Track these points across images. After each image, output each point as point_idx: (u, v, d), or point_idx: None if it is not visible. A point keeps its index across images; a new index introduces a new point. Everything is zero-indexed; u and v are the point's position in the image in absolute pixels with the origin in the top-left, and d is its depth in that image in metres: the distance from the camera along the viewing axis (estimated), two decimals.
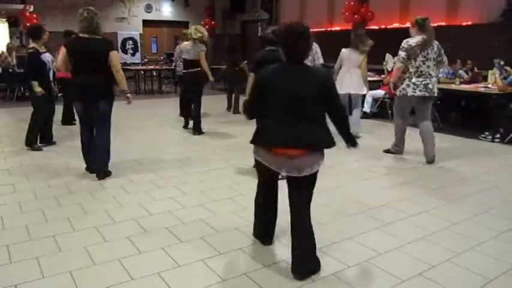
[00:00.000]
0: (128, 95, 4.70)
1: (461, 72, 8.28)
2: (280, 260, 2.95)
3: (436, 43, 5.35)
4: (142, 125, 7.64)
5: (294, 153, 2.64)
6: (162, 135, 6.99)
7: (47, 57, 5.82)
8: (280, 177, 2.92)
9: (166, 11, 15.51)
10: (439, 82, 8.02)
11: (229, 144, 6.34)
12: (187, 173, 4.93)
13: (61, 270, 2.78)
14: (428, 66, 5.27)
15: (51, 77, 6.01)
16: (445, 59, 5.41)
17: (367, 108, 8.57)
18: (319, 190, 4.30)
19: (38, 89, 5.67)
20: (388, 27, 10.01)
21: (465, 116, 8.04)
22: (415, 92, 5.26)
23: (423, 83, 5.24)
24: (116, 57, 4.49)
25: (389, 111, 8.30)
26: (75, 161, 5.08)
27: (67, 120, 7.52)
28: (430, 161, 5.39)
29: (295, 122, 2.64)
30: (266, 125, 2.76)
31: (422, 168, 5.25)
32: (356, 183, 4.68)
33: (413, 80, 5.26)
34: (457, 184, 4.65)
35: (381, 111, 8.75)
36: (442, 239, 3.30)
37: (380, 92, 8.59)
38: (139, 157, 5.52)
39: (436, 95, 5.42)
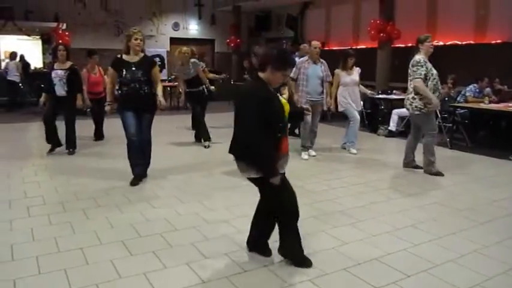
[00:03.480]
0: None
1: (488, 90, 8.14)
2: (306, 280, 2.92)
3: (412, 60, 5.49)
4: (167, 140, 7.74)
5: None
6: (188, 150, 7.07)
7: (58, 73, 6.34)
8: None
9: (193, 29, 15.81)
10: (466, 101, 7.93)
11: None
12: (212, 187, 4.97)
13: (88, 283, 2.82)
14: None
15: (57, 91, 6.39)
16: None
17: (392, 126, 8.48)
18: (347, 208, 4.29)
19: (81, 102, 6.62)
20: (415, 45, 9.94)
21: (494, 135, 7.87)
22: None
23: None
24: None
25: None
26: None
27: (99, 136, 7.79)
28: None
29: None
30: None
31: (450, 188, 5.13)
32: (382, 202, 4.61)
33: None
34: (486, 205, 4.53)
35: (408, 129, 8.60)
36: (472, 262, 3.20)
37: (406, 111, 8.47)
38: (164, 171, 5.59)
39: (409, 110, 5.65)
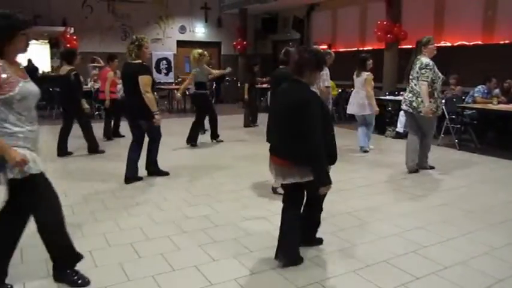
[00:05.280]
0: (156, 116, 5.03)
1: (496, 91, 8.07)
2: (313, 282, 2.91)
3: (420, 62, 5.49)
4: (173, 142, 7.76)
5: (277, 161, 3.05)
6: (192, 152, 7.09)
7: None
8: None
9: (200, 32, 15.86)
10: (475, 102, 7.88)
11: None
12: (219, 191, 4.97)
13: (96, 286, 2.83)
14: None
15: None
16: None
17: (400, 128, 8.45)
18: (354, 210, 4.27)
19: (86, 105, 6.66)
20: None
21: (503, 136, 7.80)
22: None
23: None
24: (144, 80, 4.91)
25: None
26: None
27: (109, 134, 8.22)
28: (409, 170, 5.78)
29: (277, 134, 3.13)
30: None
31: (459, 190, 5.10)
32: (390, 204, 4.59)
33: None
34: (496, 207, 4.49)
35: None
36: (482, 264, 3.18)
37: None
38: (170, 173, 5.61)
39: (420, 113, 5.53)
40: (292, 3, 13.17)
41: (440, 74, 5.49)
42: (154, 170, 5.52)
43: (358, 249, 3.43)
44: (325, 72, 5.79)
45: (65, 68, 6.44)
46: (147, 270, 3.04)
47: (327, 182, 2.87)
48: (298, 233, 3.14)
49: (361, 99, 6.97)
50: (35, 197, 2.64)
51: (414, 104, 5.54)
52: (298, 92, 3.00)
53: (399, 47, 9.92)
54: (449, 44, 9.53)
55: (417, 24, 9.73)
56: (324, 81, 5.81)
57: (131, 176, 5.24)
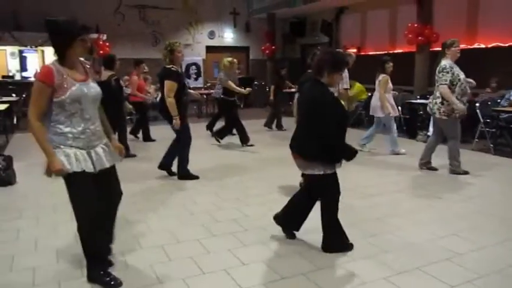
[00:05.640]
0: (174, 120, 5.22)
1: None
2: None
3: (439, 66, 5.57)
4: (202, 145, 7.83)
5: (295, 156, 3.39)
6: (220, 156, 7.14)
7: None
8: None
9: (229, 37, 15.98)
10: (511, 105, 7.63)
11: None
12: (247, 195, 4.99)
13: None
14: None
15: None
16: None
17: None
18: (384, 215, 4.20)
19: (129, 106, 7.46)
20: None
21: None
22: None
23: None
24: (167, 85, 5.12)
25: None
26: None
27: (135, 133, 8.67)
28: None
29: (296, 130, 3.45)
30: None
31: (495, 196, 4.94)
32: (421, 210, 4.49)
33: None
34: None
35: None
36: None
37: None
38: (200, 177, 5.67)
39: (435, 115, 5.65)
40: (320, 6, 13.10)
41: (461, 77, 5.41)
42: (167, 168, 5.69)
43: (389, 255, 3.37)
44: (345, 74, 5.69)
45: (106, 74, 6.57)
46: (178, 273, 3.07)
47: (353, 155, 3.25)
48: (298, 212, 3.58)
49: (375, 101, 7.09)
50: (70, 194, 2.79)
51: (430, 105, 5.70)
52: (314, 92, 3.20)
53: (431, 49, 9.72)
54: (483, 46, 9.27)
55: (449, 26, 9.52)
56: (343, 84, 5.73)
57: (183, 173, 5.56)
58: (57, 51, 2.70)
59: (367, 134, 7.38)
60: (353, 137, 7.05)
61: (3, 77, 12.53)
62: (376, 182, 5.50)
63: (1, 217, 4.22)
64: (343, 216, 4.11)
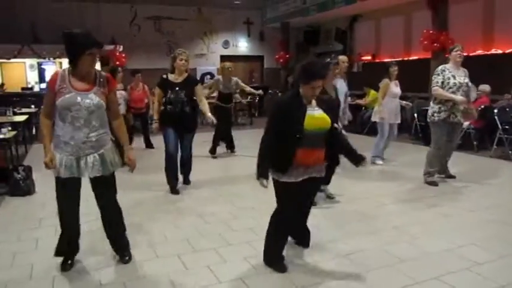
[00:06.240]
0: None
1: None
2: None
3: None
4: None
5: None
6: (234, 164, 7.16)
7: (123, 94, 6.91)
8: None
9: (243, 46, 16.11)
10: None
11: None
12: (261, 203, 4.97)
13: None
14: None
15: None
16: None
17: None
18: (401, 224, 4.15)
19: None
20: (471, 54, 9.57)
21: None
22: None
23: None
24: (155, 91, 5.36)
25: (475, 143, 7.84)
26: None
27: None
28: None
29: None
30: None
31: (508, 205, 4.85)
32: (438, 219, 4.43)
33: None
34: None
35: (465, 142, 8.24)
36: None
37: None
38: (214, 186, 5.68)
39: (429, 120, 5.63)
40: (334, 15, 13.12)
41: (454, 80, 5.39)
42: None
43: (407, 265, 3.32)
44: (340, 83, 5.28)
45: None
46: (194, 282, 3.08)
47: (257, 176, 3.08)
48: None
49: (377, 106, 7.00)
50: (57, 196, 3.12)
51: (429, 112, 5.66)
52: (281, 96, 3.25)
53: (446, 55, 9.61)
54: (500, 51, 9.15)
55: (465, 31, 9.41)
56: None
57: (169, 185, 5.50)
58: (70, 61, 2.96)
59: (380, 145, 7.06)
60: (368, 145, 7.03)
61: (23, 88, 12.82)
62: (390, 191, 5.44)
63: (20, 226, 4.29)
64: (359, 225, 4.10)
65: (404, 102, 8.65)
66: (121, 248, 3.39)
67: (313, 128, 3.01)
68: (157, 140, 8.00)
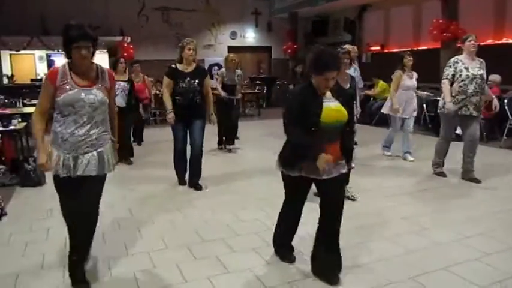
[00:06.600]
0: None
1: None
2: None
3: None
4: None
5: None
6: (242, 156, 7.16)
7: (121, 85, 6.56)
8: None
9: (250, 37, 16.02)
10: None
11: None
12: (270, 195, 4.99)
13: (155, 287, 2.94)
14: None
15: (118, 103, 6.32)
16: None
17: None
18: (410, 215, 4.15)
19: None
20: (481, 44, 9.44)
21: None
22: None
23: None
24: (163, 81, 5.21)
25: (484, 133, 7.77)
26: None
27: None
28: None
29: None
30: None
31: None
32: (447, 210, 4.41)
33: None
34: None
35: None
36: None
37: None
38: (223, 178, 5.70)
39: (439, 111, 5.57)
40: (343, 4, 13.00)
41: (467, 73, 5.19)
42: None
43: (416, 255, 3.33)
44: (354, 72, 5.20)
45: None
46: (204, 272, 3.11)
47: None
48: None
49: (388, 98, 6.84)
50: (59, 196, 2.92)
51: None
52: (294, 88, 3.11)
53: (458, 45, 9.50)
54: (511, 41, 9.02)
55: (476, 21, 9.28)
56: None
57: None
58: (65, 55, 2.82)
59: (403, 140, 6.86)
60: (377, 135, 7.00)
61: (32, 80, 12.89)
62: (398, 182, 5.43)
63: (32, 216, 4.35)
64: (367, 216, 4.10)
65: (425, 93, 8.53)
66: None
67: (331, 120, 2.82)
68: (166, 133, 8.04)
